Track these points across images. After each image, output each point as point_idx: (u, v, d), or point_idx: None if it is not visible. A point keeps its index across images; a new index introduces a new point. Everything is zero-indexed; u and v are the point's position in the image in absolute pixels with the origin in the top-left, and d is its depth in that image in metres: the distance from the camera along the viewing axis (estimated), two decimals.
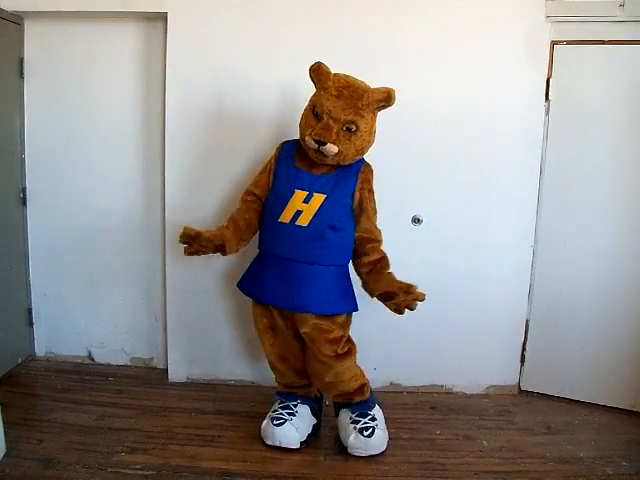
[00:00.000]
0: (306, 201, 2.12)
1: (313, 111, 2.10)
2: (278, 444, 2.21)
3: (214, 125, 2.64)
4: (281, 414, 2.26)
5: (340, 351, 2.21)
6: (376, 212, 2.25)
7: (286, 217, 2.12)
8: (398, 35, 2.56)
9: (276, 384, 2.44)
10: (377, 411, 2.31)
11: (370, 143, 2.16)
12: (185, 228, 2.17)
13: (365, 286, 2.27)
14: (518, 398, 2.80)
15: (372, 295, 2.25)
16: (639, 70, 2.50)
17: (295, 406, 2.30)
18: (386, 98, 2.08)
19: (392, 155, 2.54)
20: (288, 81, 2.55)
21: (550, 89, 2.60)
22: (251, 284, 2.30)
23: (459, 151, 2.64)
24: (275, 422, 2.22)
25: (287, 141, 2.29)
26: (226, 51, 2.59)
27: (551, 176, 2.67)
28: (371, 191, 2.23)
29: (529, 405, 2.73)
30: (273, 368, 2.40)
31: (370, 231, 2.23)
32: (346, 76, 2.13)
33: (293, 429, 2.22)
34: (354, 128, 2.06)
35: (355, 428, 2.19)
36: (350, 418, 2.24)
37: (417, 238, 2.67)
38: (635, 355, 2.61)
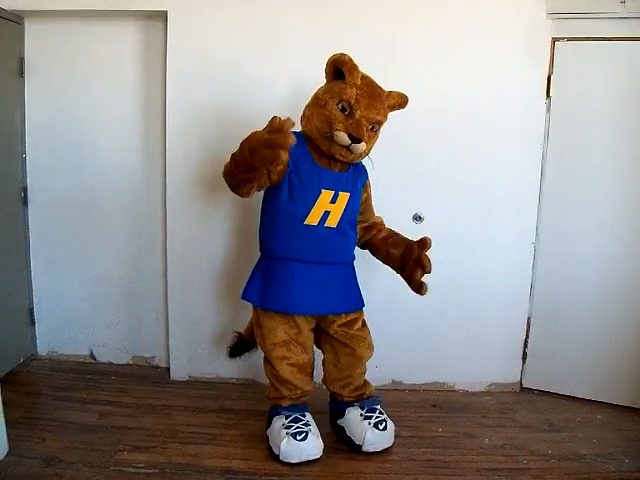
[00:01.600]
0: (333, 201, 2.06)
1: (338, 105, 1.99)
2: (305, 459, 2.09)
3: (215, 123, 2.63)
4: (299, 427, 2.11)
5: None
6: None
7: (314, 219, 2.04)
8: (398, 33, 2.56)
9: (277, 400, 2.25)
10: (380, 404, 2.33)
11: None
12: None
13: (387, 257, 2.27)
14: (520, 396, 2.80)
15: (394, 262, 2.26)
16: None
17: (304, 416, 2.18)
18: (404, 103, 2.13)
19: (393, 153, 2.53)
20: (289, 78, 2.55)
21: (551, 86, 2.60)
22: (275, 296, 2.13)
23: (460, 149, 2.64)
24: (299, 437, 2.07)
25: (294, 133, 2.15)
26: (227, 49, 2.58)
27: (552, 173, 2.67)
28: (369, 185, 2.30)
29: (531, 403, 2.73)
30: (285, 382, 2.20)
31: (374, 216, 2.34)
32: (366, 75, 2.08)
33: (316, 438, 2.12)
34: (376, 128, 2.06)
35: (370, 424, 2.19)
36: (361, 415, 2.23)
37: (418, 236, 2.67)
38: (636, 352, 2.61)
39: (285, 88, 2.56)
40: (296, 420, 2.15)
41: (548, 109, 2.63)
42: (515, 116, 2.63)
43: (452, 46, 2.57)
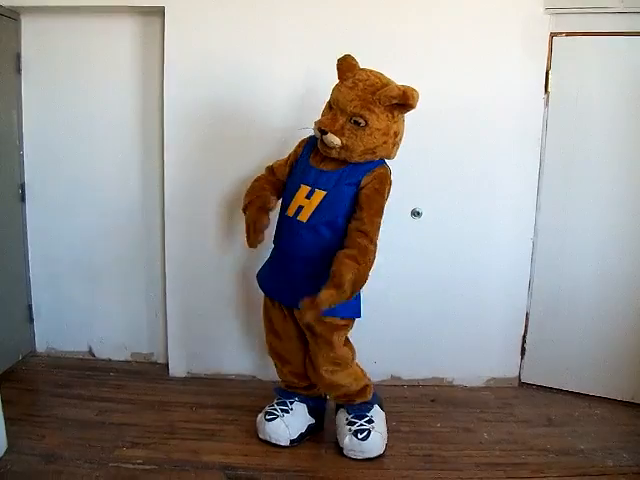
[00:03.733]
0: (308, 197, 2.07)
1: (330, 103, 2.06)
2: (268, 439, 2.22)
3: (213, 119, 2.63)
4: (274, 409, 2.25)
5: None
6: (379, 215, 2.05)
7: (291, 211, 2.11)
8: (397, 30, 2.54)
9: (278, 379, 2.41)
10: (376, 412, 2.24)
11: (386, 145, 2.03)
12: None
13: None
14: (518, 390, 2.80)
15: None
16: (638, 61, 2.49)
17: (291, 403, 2.28)
18: (400, 96, 1.92)
19: None
20: (288, 75, 2.55)
21: (549, 81, 2.59)
22: (262, 276, 2.32)
23: (458, 144, 2.63)
24: (267, 417, 2.23)
25: (312, 136, 2.15)
26: (224, 44, 2.57)
27: (550, 168, 2.66)
28: (379, 192, 2.05)
29: (529, 397, 2.73)
30: (274, 364, 2.38)
31: (363, 223, 2.01)
32: (371, 71, 2.03)
33: (283, 426, 2.20)
34: (363, 123, 1.96)
35: (350, 430, 2.16)
36: (346, 419, 2.21)
37: (416, 231, 2.67)
38: (635, 347, 2.62)
39: (284, 85, 2.56)
40: (281, 404, 2.27)
41: (546, 104, 2.62)
42: (514, 111, 2.62)
43: (451, 42, 2.56)
